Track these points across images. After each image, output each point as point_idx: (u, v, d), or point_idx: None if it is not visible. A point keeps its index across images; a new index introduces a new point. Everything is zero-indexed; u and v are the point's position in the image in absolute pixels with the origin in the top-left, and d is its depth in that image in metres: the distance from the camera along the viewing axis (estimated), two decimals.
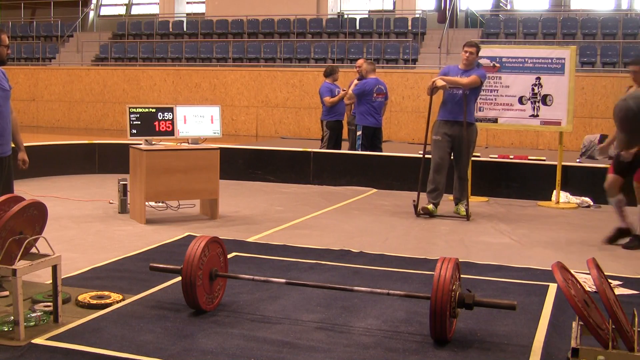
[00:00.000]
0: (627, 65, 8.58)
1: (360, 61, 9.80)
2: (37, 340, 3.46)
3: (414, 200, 7.43)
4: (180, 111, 6.97)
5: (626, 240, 6.09)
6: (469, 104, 7.24)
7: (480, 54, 8.04)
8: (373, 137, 9.45)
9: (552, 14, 18.25)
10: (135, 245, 5.72)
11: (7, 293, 4.11)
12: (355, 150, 9.52)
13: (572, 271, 3.50)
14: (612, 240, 6.13)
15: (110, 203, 7.65)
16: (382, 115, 9.59)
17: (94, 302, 4.05)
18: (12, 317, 3.59)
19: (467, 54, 7.28)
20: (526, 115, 8.16)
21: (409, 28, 17.73)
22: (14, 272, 3.43)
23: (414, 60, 16.48)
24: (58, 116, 18.13)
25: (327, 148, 9.91)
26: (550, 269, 3.38)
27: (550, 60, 8.07)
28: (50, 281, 3.75)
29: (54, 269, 3.70)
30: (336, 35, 18.20)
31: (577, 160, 10.81)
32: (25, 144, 5.16)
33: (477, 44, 7.46)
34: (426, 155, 7.49)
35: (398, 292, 3.95)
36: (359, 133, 9.41)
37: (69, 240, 5.89)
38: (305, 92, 16.02)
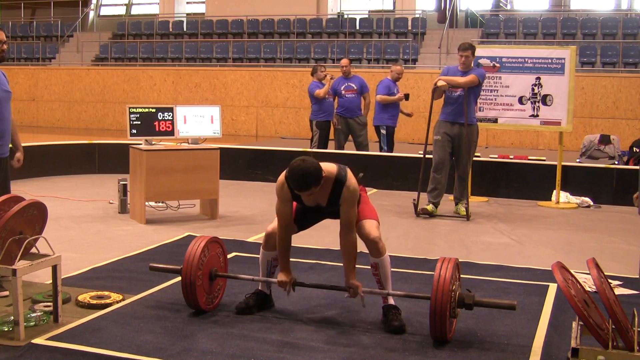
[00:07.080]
0: None
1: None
2: (37, 340, 3.46)
3: (414, 200, 7.43)
4: (180, 111, 6.97)
5: None
6: (469, 104, 7.23)
7: (481, 54, 8.00)
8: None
9: (552, 14, 18.22)
10: (135, 245, 5.72)
11: (7, 293, 4.11)
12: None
13: (572, 271, 3.50)
14: None
15: (110, 203, 7.65)
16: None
17: (94, 302, 4.06)
18: (12, 317, 3.59)
19: (464, 58, 7.24)
20: (526, 115, 8.15)
21: (409, 28, 17.70)
22: (14, 272, 3.43)
23: (414, 60, 16.45)
24: (58, 116, 18.11)
25: (318, 148, 9.84)
26: (550, 269, 3.38)
27: (550, 60, 8.07)
28: (50, 281, 3.75)
29: (54, 269, 3.71)
30: (336, 35, 18.18)
31: (577, 160, 10.81)
32: (25, 144, 5.15)
33: (470, 45, 7.35)
34: (426, 156, 7.50)
35: (398, 292, 3.95)
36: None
37: (69, 240, 5.89)
38: (305, 92, 15.79)
